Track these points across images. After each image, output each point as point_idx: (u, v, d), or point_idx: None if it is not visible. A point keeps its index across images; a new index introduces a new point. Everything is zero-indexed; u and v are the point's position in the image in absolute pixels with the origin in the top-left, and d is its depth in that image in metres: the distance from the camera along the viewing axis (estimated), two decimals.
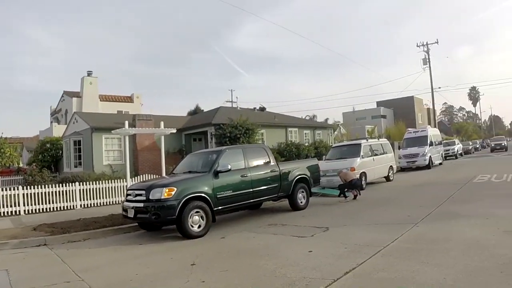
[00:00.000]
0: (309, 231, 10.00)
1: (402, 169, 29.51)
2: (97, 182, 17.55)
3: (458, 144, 46.61)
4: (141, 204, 10.18)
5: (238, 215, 13.59)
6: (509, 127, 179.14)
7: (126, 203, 10.87)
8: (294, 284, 5.95)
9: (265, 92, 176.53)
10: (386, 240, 8.36)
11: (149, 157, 24.10)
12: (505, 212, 10.70)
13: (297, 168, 14.08)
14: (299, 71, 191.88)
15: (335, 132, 47.67)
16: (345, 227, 10.31)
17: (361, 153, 19.81)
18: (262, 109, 37.44)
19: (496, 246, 7.33)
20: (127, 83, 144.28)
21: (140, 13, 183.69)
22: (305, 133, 35.65)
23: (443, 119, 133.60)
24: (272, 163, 13.09)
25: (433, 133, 33.27)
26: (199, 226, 10.24)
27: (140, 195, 10.41)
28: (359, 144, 20.65)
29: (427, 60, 49.16)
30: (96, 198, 17.33)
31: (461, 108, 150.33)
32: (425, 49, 49.29)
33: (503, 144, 51.71)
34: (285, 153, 27.54)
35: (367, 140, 22.23)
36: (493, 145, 53.41)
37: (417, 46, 49.90)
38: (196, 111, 53.03)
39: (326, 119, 58.86)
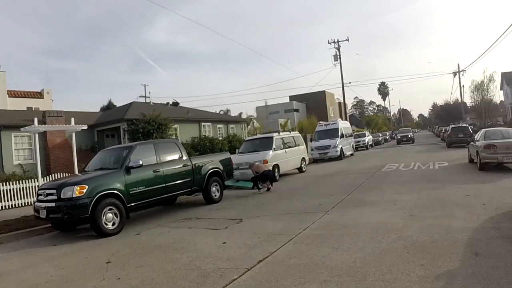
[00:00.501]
0: (223, 223, 10.28)
1: (315, 161, 30.36)
2: (7, 183, 16.81)
3: (368, 136, 48.89)
4: (53, 204, 9.96)
5: (153, 211, 13.66)
6: (417, 119, 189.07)
7: (37, 204, 10.61)
8: (208, 276, 6.18)
9: (179, 87, 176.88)
10: (298, 229, 8.77)
11: (61, 155, 23.33)
12: (411, 197, 11.44)
13: (210, 162, 14.34)
14: (214, 66, 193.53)
15: (249, 126, 48.20)
16: (258, 218, 10.64)
17: (273, 146, 20.30)
18: (176, 104, 37.08)
19: (403, 229, 7.88)
20: (36, 78, 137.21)
21: (49, 2, 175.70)
22: (219, 128, 35.76)
23: (355, 112, 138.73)
24: (184, 158, 13.24)
25: (343, 125, 34.39)
26: (113, 224, 10.23)
27: (51, 194, 10.17)
28: (271, 137, 21.12)
29: (338, 57, 50.88)
30: (7, 200, 16.59)
31: (372, 102, 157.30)
32: (336, 46, 51.02)
33: (409, 136, 50.08)
34: (199, 147, 27.43)
35: (279, 133, 22.75)
36: (399, 137, 51.13)
37: (329, 43, 51.60)
38: (109, 107, 51.72)
39: (240, 114, 59.53)
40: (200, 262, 6.97)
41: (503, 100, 74.88)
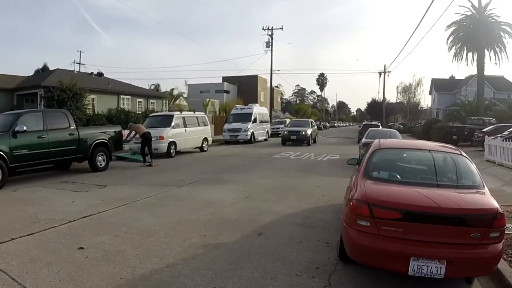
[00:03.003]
0: (89, 187, 11.81)
1: (226, 142, 31.58)
2: None
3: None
4: None
5: (46, 174, 14.72)
6: (354, 113, 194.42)
7: None
8: (39, 222, 7.85)
9: (118, 56, 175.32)
10: (141, 196, 10.30)
11: None
12: (267, 182, 12.75)
13: (98, 133, 15.77)
14: (155, 40, 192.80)
15: (174, 103, 49.11)
16: (120, 186, 12.15)
17: (173, 124, 21.35)
18: (100, 74, 37.69)
19: (225, 207, 9.04)
20: None
21: None
22: (139, 101, 36.70)
23: (293, 100, 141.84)
24: (71, 127, 14.49)
25: (259, 111, 35.58)
26: None
27: None
28: (172, 116, 22.25)
29: (270, 44, 52.51)
30: None
31: (313, 92, 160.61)
32: (270, 33, 52.54)
33: (302, 133, 30.56)
34: (114, 119, 27.98)
35: (181, 112, 24.08)
36: (286, 132, 31.74)
37: (263, 29, 52.94)
38: (43, 70, 51.39)
39: (172, 89, 59.76)
40: (42, 213, 8.57)
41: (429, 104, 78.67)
